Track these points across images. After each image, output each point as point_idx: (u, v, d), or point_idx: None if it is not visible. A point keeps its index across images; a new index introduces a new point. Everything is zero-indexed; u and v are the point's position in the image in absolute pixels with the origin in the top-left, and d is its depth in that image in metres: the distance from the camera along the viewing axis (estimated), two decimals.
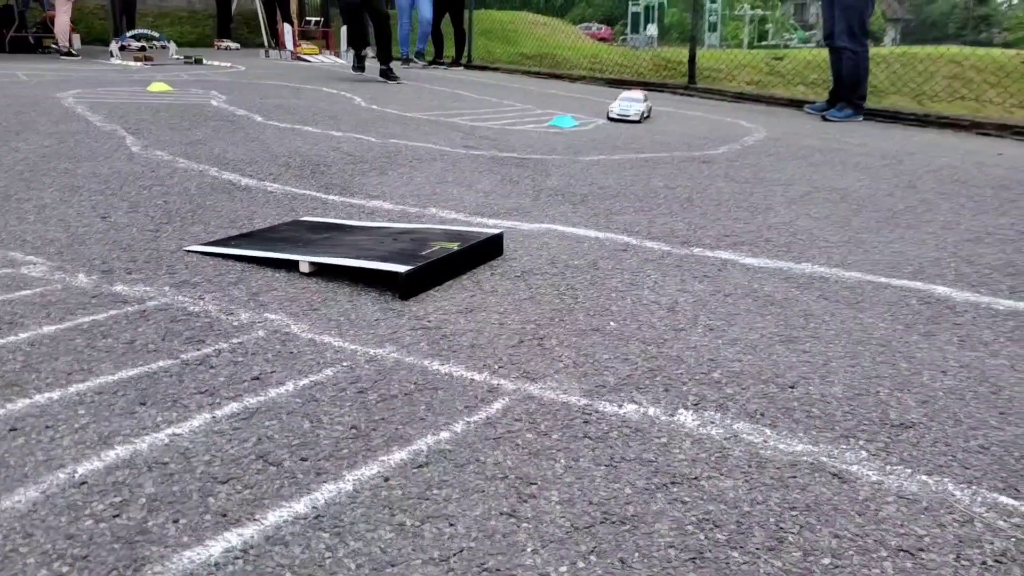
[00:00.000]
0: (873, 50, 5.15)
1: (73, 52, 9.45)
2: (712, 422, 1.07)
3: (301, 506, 0.84)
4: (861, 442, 1.02)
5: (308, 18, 12.31)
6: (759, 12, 32.95)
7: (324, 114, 4.45)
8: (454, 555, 0.77)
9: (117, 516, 0.81)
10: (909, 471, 0.95)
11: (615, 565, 0.77)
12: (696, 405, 1.12)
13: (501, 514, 0.84)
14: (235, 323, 1.35)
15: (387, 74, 6.55)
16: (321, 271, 1.63)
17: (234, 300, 1.46)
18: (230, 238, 1.86)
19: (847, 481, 0.93)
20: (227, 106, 4.62)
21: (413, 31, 9.09)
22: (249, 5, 13.19)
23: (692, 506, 0.87)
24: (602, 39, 25.45)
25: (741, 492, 0.90)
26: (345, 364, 1.21)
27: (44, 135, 3.26)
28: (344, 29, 11.03)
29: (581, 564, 0.77)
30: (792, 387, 1.19)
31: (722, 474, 0.94)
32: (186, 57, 9.26)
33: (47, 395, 1.06)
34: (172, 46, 10.27)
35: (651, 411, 1.09)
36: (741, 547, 0.80)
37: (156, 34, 11.23)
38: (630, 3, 25.68)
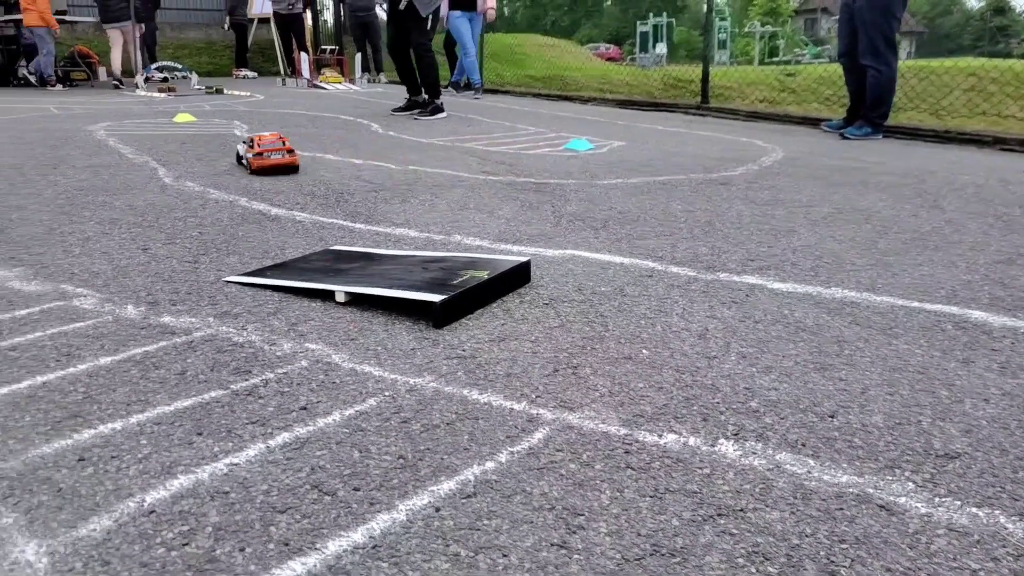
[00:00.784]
0: None
1: (122, 84, 9.59)
2: (754, 452, 1.08)
3: (359, 536, 0.86)
4: (907, 473, 1.03)
5: (323, 47, 12.51)
6: (769, 28, 33.13)
7: (343, 142, 4.52)
8: None
9: (186, 544, 0.84)
10: (958, 503, 0.96)
11: None
12: (736, 435, 1.13)
13: (552, 545, 0.86)
14: (278, 353, 1.39)
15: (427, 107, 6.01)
16: (356, 300, 1.67)
17: (275, 330, 1.50)
18: (265, 268, 1.90)
19: (895, 513, 0.94)
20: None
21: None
22: (265, 35, 13.46)
23: (740, 539, 0.89)
24: (610, 59, 25.67)
25: (788, 524, 0.92)
26: (387, 394, 1.23)
27: (80, 168, 3.35)
28: (358, 57, 11.23)
29: None
30: (831, 416, 1.20)
31: (768, 506, 0.95)
32: (207, 87, 9.44)
33: (110, 425, 1.09)
34: (194, 77, 10.46)
35: (691, 441, 1.11)
36: None
37: (178, 65, 11.48)
38: (638, 22, 25.91)
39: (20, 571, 0.80)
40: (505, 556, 0.84)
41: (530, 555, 0.84)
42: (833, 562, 0.84)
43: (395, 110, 6.12)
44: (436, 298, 1.54)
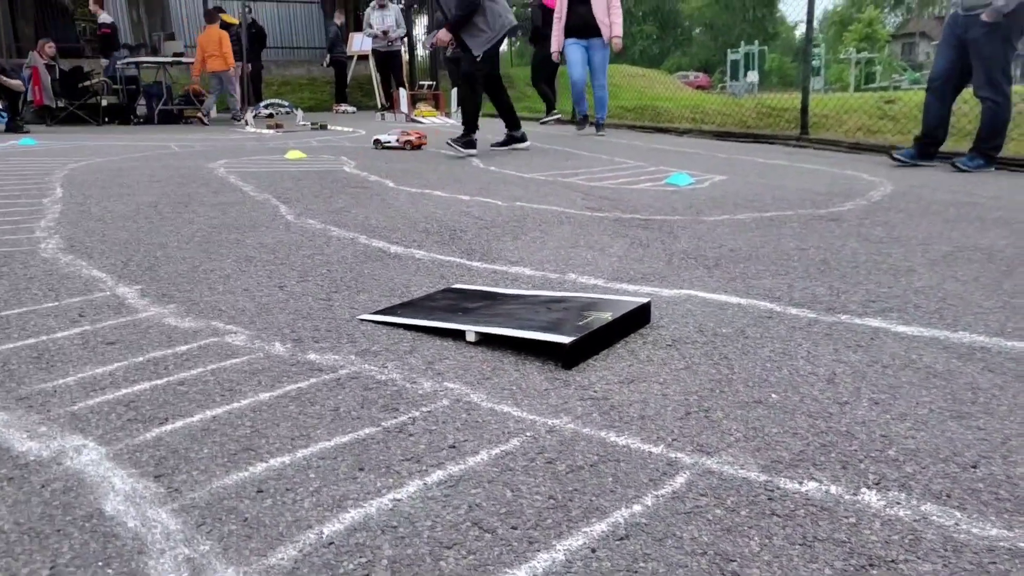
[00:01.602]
0: None
1: (243, 120, 10.37)
2: (898, 502, 1.08)
3: (523, 573, 0.92)
4: None
5: (421, 82, 13.01)
6: (865, 54, 32.10)
7: (448, 177, 4.70)
8: None
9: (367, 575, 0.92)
10: None
11: None
12: (878, 484, 1.13)
13: None
14: (420, 392, 1.48)
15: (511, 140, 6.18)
16: (485, 340, 1.75)
17: (414, 369, 1.60)
18: (395, 307, 2.02)
19: None
20: (358, 172, 4.96)
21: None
22: (363, 71, 14.12)
23: None
24: (700, 87, 25.49)
25: None
26: (528, 434, 1.30)
27: (208, 206, 3.63)
28: (453, 91, 11.62)
29: None
30: (974, 467, 1.18)
31: (919, 558, 0.96)
32: (312, 123, 9.97)
33: (279, 459, 1.20)
34: (299, 113, 11.08)
35: (833, 489, 1.12)
36: None
37: (285, 102, 12.18)
38: (729, 50, 25.66)
39: None
40: None
41: None
42: None
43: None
44: (566, 340, 1.60)
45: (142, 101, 11.61)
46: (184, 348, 1.72)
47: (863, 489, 1.12)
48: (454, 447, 1.25)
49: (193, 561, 0.94)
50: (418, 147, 6.46)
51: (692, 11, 46.11)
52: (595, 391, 1.49)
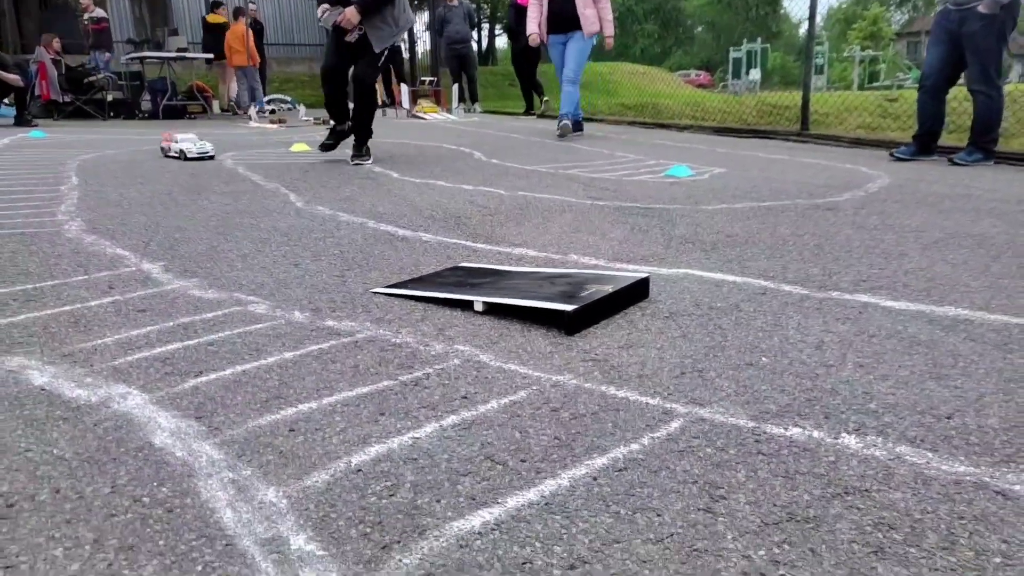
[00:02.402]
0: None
1: (240, 112, 10.59)
2: (875, 445, 1.18)
3: (532, 495, 1.03)
4: (1022, 466, 1.11)
5: (422, 78, 13.11)
6: (869, 52, 32.15)
7: (451, 169, 4.80)
8: (667, 537, 0.94)
9: (392, 496, 1.02)
10: None
11: (806, 553, 0.91)
12: (857, 431, 1.24)
13: (699, 510, 1.00)
14: (432, 353, 1.58)
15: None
16: (492, 310, 1.85)
17: (426, 334, 1.70)
18: (406, 282, 2.12)
19: (1011, 499, 1.03)
20: (362, 163, 5.06)
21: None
22: None
23: (867, 512, 1.00)
24: (701, 85, 25.56)
25: (911, 503, 1.02)
26: (534, 388, 1.40)
27: (221, 194, 3.73)
28: (455, 87, 11.73)
29: (776, 551, 0.91)
30: (948, 418, 1.28)
31: (891, 488, 1.06)
32: (315, 119, 10.07)
33: (307, 405, 1.31)
34: (302, 108, 11.18)
35: (815, 434, 1.22)
36: (917, 545, 0.93)
37: (287, 98, 12.28)
38: (731, 49, 25.73)
39: (268, 509, 1.00)
40: (659, 516, 0.99)
41: (681, 516, 0.99)
42: (953, 533, 0.94)
43: (323, 147, 5.21)
44: (568, 307, 1.71)
45: (147, 96, 11.71)
46: (211, 315, 1.83)
47: (843, 434, 1.22)
48: (466, 397, 1.35)
49: (237, 482, 1.04)
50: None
51: (694, 10, 46.20)
52: (596, 354, 1.59)
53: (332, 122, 5.26)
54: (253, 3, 13.13)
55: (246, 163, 5.10)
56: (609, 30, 6.71)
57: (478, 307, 1.86)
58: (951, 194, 3.79)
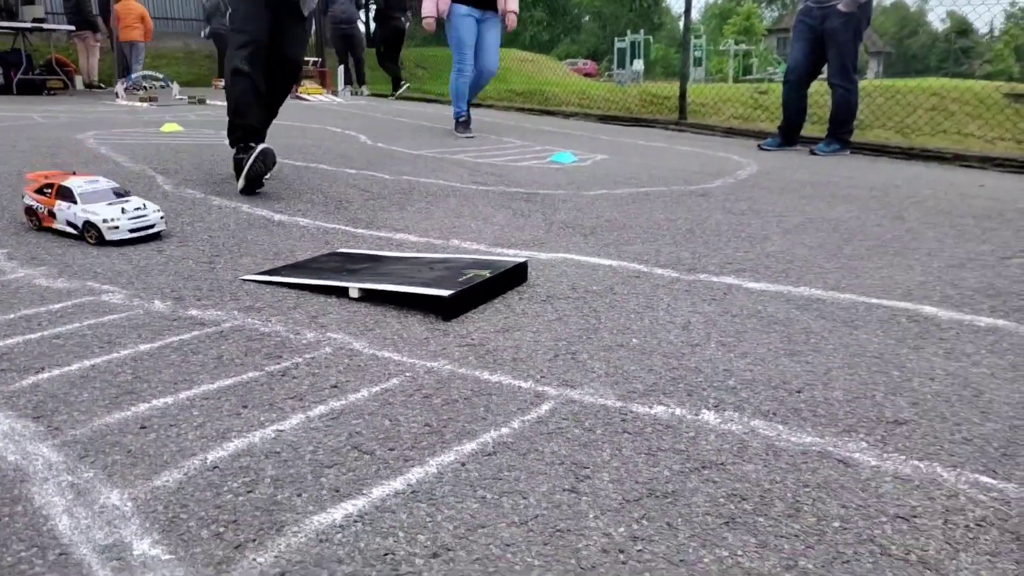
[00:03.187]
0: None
1: (101, 86, 9.88)
2: (732, 420, 1.24)
3: (398, 484, 1.01)
4: (861, 435, 1.20)
5: (306, 58, 12.62)
6: (743, 47, 33.86)
7: (334, 152, 4.66)
8: (531, 519, 0.95)
9: (251, 492, 0.98)
10: (903, 458, 1.13)
11: (664, 527, 0.94)
12: (716, 407, 1.29)
13: (564, 490, 1.02)
14: (304, 341, 1.53)
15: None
16: (368, 297, 1.81)
17: (298, 322, 1.64)
18: (280, 268, 2.04)
19: (851, 466, 1.11)
20: None
21: None
22: None
23: (722, 484, 1.05)
24: (588, 74, 26.08)
25: (761, 474, 1.08)
26: (407, 375, 1.38)
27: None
28: (340, 68, 11.38)
29: (636, 526, 0.94)
30: (799, 392, 1.37)
31: (744, 460, 1.12)
32: (190, 97, 9.51)
33: (163, 400, 1.22)
34: (175, 87, 10.52)
35: (678, 411, 1.27)
36: (766, 514, 0.98)
37: (159, 75, 11.50)
38: (616, 39, 26.39)
39: (110, 513, 0.93)
40: (525, 499, 0.99)
41: (546, 497, 1.00)
42: (798, 500, 1.00)
43: (250, 185, 3.09)
44: (445, 293, 1.69)
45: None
46: (58, 306, 1.68)
47: (703, 410, 1.28)
48: (336, 387, 1.31)
49: (77, 486, 0.96)
50: None
51: None
52: (472, 339, 1.58)
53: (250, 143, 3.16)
54: None
55: (110, 143, 4.73)
56: (514, 5, 5.78)
57: (353, 294, 1.81)
58: (812, 181, 4.05)
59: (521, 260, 2.03)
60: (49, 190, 2.32)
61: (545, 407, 1.27)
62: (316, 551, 0.87)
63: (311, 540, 0.89)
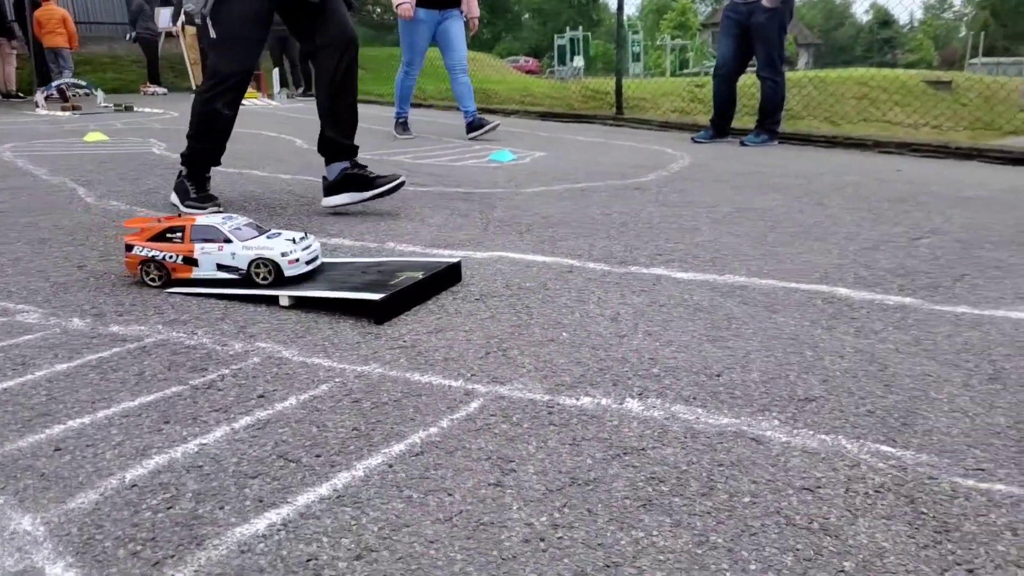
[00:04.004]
0: (788, 74, 5.63)
1: (20, 95, 9.50)
2: (654, 407, 1.28)
3: (324, 490, 1.01)
4: (774, 414, 1.25)
5: None
6: (679, 42, 34.52)
7: (269, 157, 4.59)
8: (455, 515, 0.96)
9: (171, 508, 0.97)
10: (811, 432, 1.19)
11: (584, 513, 0.97)
12: (640, 395, 1.33)
13: (489, 485, 1.04)
14: (231, 352, 1.51)
15: None
16: (299, 304, 1.80)
17: (225, 333, 1.62)
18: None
19: (763, 443, 1.16)
20: (169, 153, 4.72)
21: None
22: (173, 49, 13.16)
23: (641, 469, 1.08)
24: (530, 71, 26.22)
25: (679, 456, 1.12)
26: (337, 380, 1.38)
27: None
28: (275, 72, 11.17)
29: (557, 515, 0.97)
30: (719, 376, 1.42)
31: (664, 444, 1.15)
32: (116, 105, 9.21)
33: (79, 420, 1.20)
34: (100, 94, 10.16)
35: (603, 401, 1.30)
36: (681, 494, 1.02)
37: (82, 82, 11.09)
38: (556, 36, 26.58)
39: (20, 539, 0.91)
40: (450, 495, 1.01)
41: (471, 493, 1.01)
42: (713, 479, 1.05)
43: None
44: (376, 297, 1.69)
45: None
46: None
47: (628, 399, 1.31)
48: (263, 396, 1.30)
49: None
50: None
51: None
52: (404, 341, 1.59)
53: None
54: None
55: (29, 155, 4.56)
56: (476, 11, 5.66)
57: (284, 302, 1.79)
58: (742, 172, 4.17)
59: (454, 260, 2.04)
60: (176, 234, 1.91)
61: (474, 404, 1.28)
62: (237, 562, 0.87)
63: (232, 552, 0.89)
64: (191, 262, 1.89)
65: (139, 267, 1.92)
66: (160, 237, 1.92)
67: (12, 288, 1.92)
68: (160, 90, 12.56)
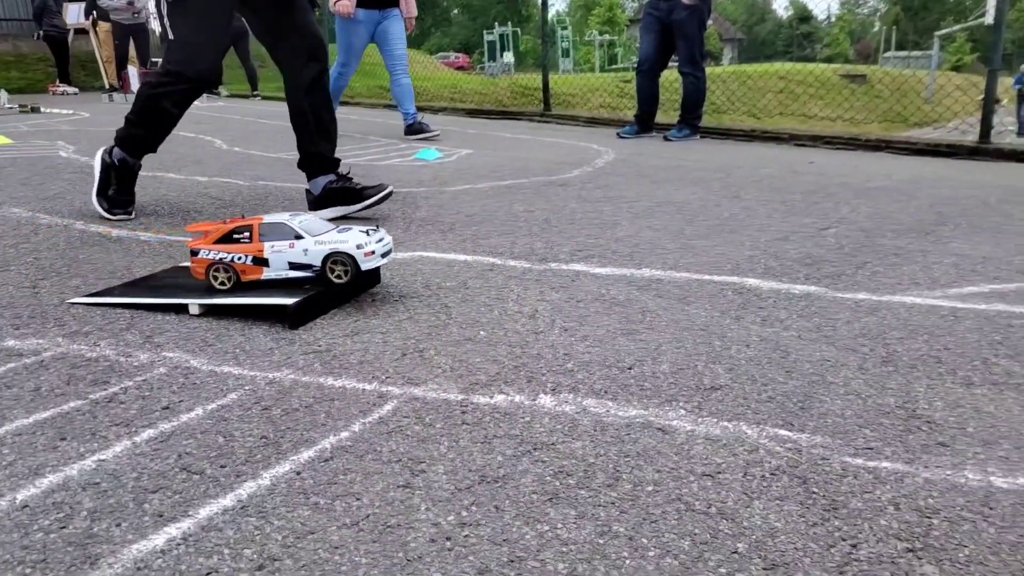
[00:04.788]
0: (711, 70, 5.80)
1: None
2: (566, 402, 1.31)
3: (227, 501, 0.99)
4: (681, 403, 1.29)
5: (154, 59, 11.89)
6: (607, 37, 34.99)
7: (187, 159, 4.45)
8: (362, 520, 0.96)
9: (64, 528, 0.93)
10: (715, 420, 1.23)
11: (491, 511, 0.98)
12: (553, 390, 1.35)
13: (398, 487, 1.04)
14: (135, 363, 1.46)
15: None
16: (211, 311, 1.75)
17: (130, 344, 1.56)
18: (113, 288, 1.93)
19: (668, 433, 1.19)
20: (78, 156, 4.52)
21: None
22: (83, 47, 12.57)
23: (550, 464, 1.10)
24: (460, 68, 26.14)
25: (588, 449, 1.14)
26: (247, 388, 1.35)
27: None
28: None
29: (465, 513, 0.97)
30: (630, 368, 1.45)
31: (573, 438, 1.18)
32: (20, 106, 8.75)
33: None
34: (3, 95, 9.64)
35: (517, 398, 1.32)
36: (587, 487, 1.04)
37: None
38: (485, 32, 26.58)
39: None
40: (358, 500, 1.00)
41: (380, 496, 1.01)
42: (618, 470, 1.07)
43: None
44: (289, 301, 1.66)
45: None
46: None
47: (541, 395, 1.33)
48: (168, 408, 1.27)
49: None
50: None
51: None
52: (319, 345, 1.57)
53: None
54: None
55: None
56: (414, 10, 5.62)
57: (194, 310, 1.74)
58: (664, 166, 4.27)
59: None
60: (243, 234, 1.81)
61: (388, 407, 1.28)
62: None
63: (127, 569, 0.86)
64: (261, 262, 1.80)
65: (207, 271, 1.82)
66: (227, 239, 1.82)
67: None
68: (71, 90, 11.99)
